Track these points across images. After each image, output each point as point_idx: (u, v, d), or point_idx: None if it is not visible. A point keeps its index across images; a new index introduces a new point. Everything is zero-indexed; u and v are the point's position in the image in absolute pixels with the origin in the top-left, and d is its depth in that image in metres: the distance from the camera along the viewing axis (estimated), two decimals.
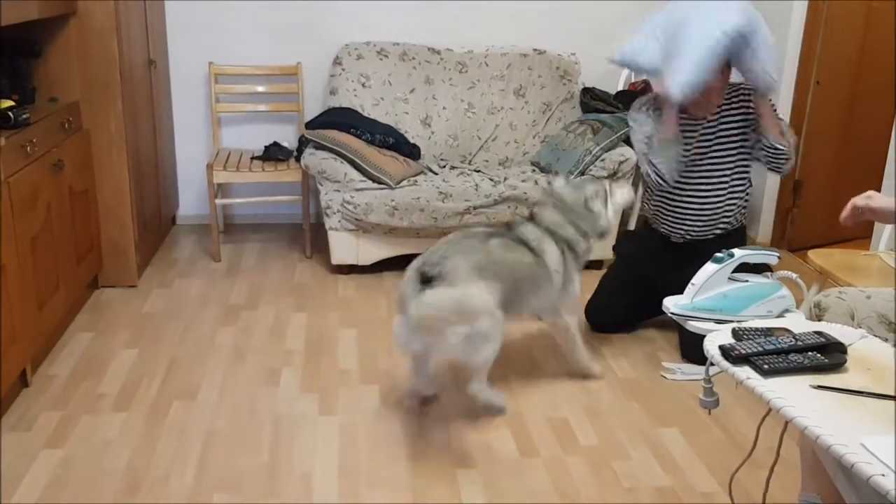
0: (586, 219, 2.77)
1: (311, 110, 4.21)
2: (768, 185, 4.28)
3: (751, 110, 2.90)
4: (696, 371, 2.95)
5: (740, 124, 2.92)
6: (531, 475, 2.35)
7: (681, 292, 1.85)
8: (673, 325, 3.27)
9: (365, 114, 4.05)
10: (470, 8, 4.30)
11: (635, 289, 3.17)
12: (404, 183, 3.69)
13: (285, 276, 3.81)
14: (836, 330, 1.65)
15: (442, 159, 4.08)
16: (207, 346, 3.07)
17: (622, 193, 2.91)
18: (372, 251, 3.77)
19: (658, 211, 3.11)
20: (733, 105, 2.93)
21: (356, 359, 3.02)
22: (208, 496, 2.21)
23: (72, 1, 3.20)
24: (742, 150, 2.95)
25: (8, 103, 2.77)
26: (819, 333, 1.59)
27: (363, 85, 4.12)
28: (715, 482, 2.32)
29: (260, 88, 4.26)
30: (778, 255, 1.86)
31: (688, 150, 2.92)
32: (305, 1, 4.22)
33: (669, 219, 3.08)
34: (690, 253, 2.73)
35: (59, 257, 3.01)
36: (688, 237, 3.05)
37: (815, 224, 4.24)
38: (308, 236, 4.06)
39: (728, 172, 2.96)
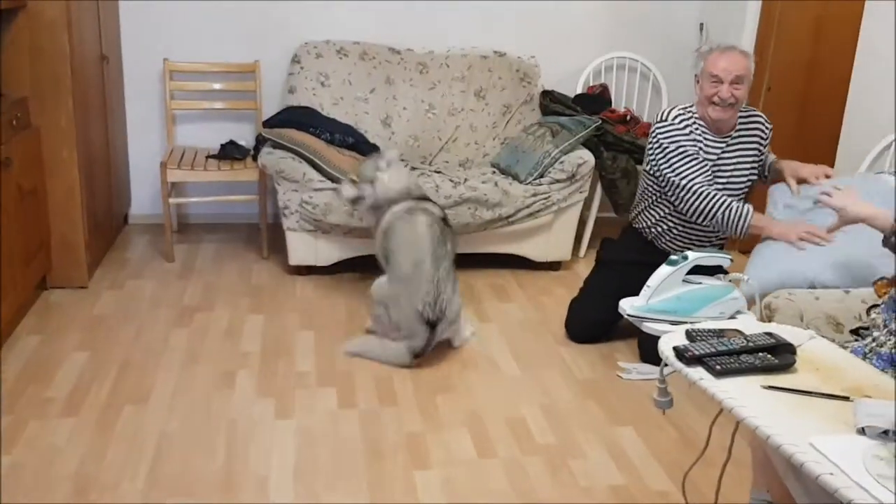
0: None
1: (269, 109, 4.15)
2: None
3: (764, 137, 2.98)
4: (652, 371, 2.98)
5: (756, 146, 2.97)
6: (489, 475, 2.36)
7: None
8: (631, 327, 3.32)
9: (324, 113, 4.01)
10: (431, 8, 4.29)
11: (616, 296, 3.13)
12: None
13: (242, 277, 3.76)
14: (786, 331, 1.69)
15: (402, 160, 4.06)
16: (160, 349, 3.02)
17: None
18: (331, 252, 3.74)
19: (667, 231, 3.07)
20: (750, 126, 2.97)
21: (313, 361, 2.99)
22: (161, 500, 2.17)
23: None
24: (753, 172, 3.00)
25: None
26: (769, 335, 1.62)
27: (322, 84, 4.09)
28: (669, 481, 2.36)
29: (216, 86, 4.20)
30: (730, 258, 1.90)
31: (707, 169, 2.91)
32: None
33: (678, 240, 3.06)
34: None
35: (6, 257, 2.92)
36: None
37: None
38: (265, 236, 4.02)
39: (740, 193, 2.98)
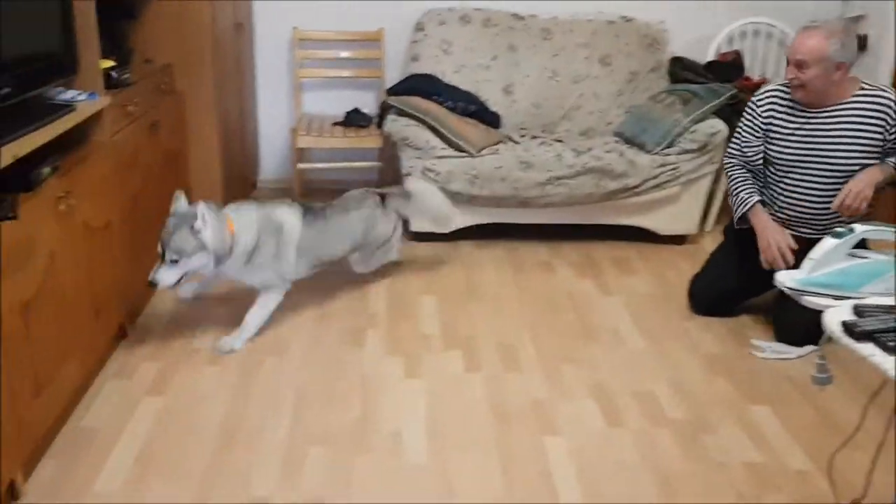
0: None
1: (393, 77, 4.21)
2: None
3: (887, 120, 2.77)
4: (787, 350, 2.88)
5: (867, 127, 2.78)
6: (619, 445, 2.35)
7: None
8: (759, 304, 3.22)
9: (446, 81, 4.03)
10: None
11: (742, 268, 3.07)
12: (485, 151, 3.67)
13: None
14: None
15: (523, 128, 4.05)
16: (293, 306, 3.13)
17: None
18: None
19: (772, 201, 3.00)
20: (866, 104, 2.79)
21: (437, 324, 3.05)
22: (303, 449, 2.28)
23: None
24: (866, 155, 2.79)
25: (108, 63, 2.84)
26: None
27: (445, 51, 4.10)
28: (810, 462, 2.28)
29: (343, 54, 4.28)
30: None
31: (793, 138, 2.84)
32: None
33: (784, 209, 2.97)
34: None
35: (155, 216, 3.09)
36: (806, 233, 2.90)
37: None
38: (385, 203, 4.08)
39: (844, 172, 2.81)
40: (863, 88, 2.80)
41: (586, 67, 4.10)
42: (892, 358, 1.44)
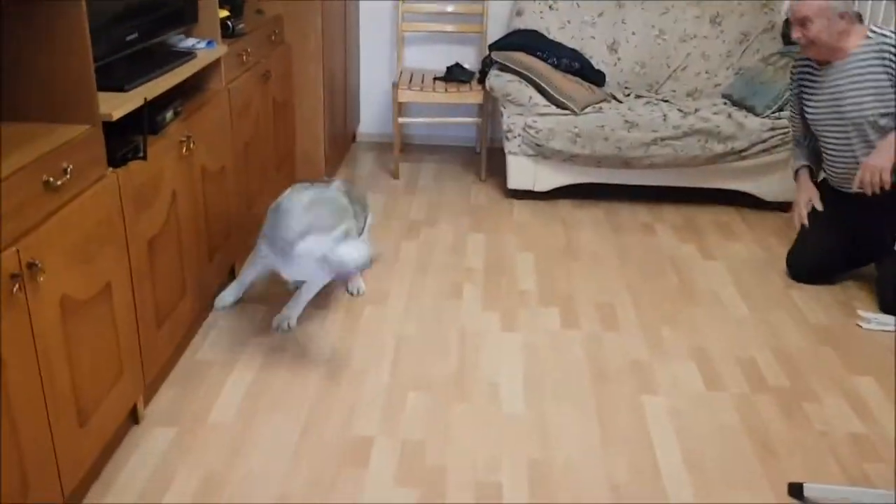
0: None
1: (495, 32, 4.18)
2: None
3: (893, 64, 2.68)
4: (891, 322, 2.77)
5: (874, 75, 2.71)
6: (719, 409, 2.32)
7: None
8: (867, 273, 3.09)
9: (550, 37, 3.98)
10: None
11: (838, 231, 2.99)
12: (588, 110, 3.62)
13: (461, 197, 3.88)
14: None
15: (627, 87, 3.97)
16: (393, 258, 3.21)
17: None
18: (549, 178, 3.76)
19: (825, 167, 3.03)
20: (869, 52, 2.72)
21: (535, 281, 3.06)
22: (403, 393, 2.35)
23: None
24: (881, 102, 2.72)
25: (224, 13, 2.93)
26: None
27: (550, 6, 4.04)
28: None
29: (447, 8, 4.27)
30: None
31: (817, 97, 2.85)
32: None
33: (832, 170, 2.98)
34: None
35: (264, 163, 3.21)
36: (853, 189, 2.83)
37: None
38: (484, 159, 4.10)
39: (866, 124, 2.76)
40: (868, 37, 2.73)
41: (695, 26, 3.97)
42: None
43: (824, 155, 2.98)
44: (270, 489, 1.96)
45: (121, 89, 2.05)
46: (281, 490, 1.96)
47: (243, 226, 2.93)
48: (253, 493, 1.94)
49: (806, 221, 2.97)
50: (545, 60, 3.76)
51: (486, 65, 3.89)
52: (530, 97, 3.60)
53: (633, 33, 4.01)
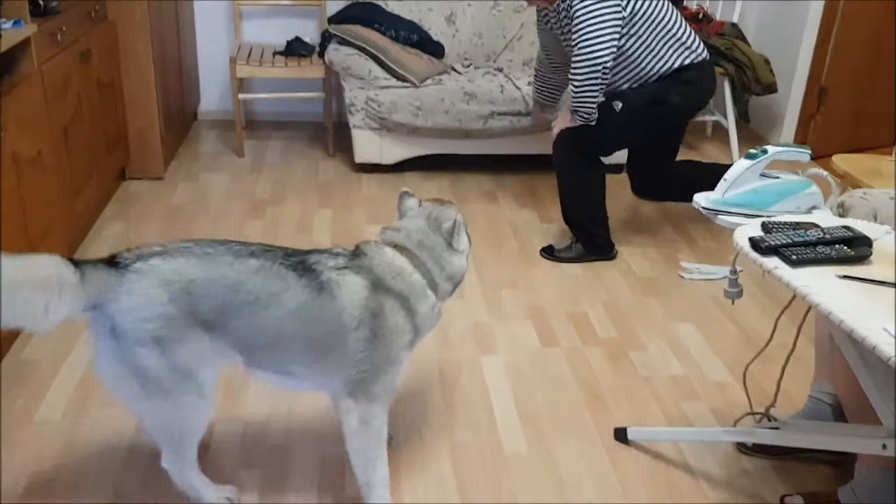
0: (441, 260, 1.78)
1: (334, 5, 4.14)
2: (793, 92, 4.25)
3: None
4: (713, 271, 3.02)
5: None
6: (551, 363, 2.46)
7: None
8: (691, 224, 3.35)
9: (388, 10, 3.99)
10: None
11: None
12: (428, 82, 3.68)
13: (309, 174, 3.85)
14: (862, 226, 1.70)
15: (466, 58, 4.05)
16: (238, 238, 3.14)
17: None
18: (395, 150, 3.80)
19: None
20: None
21: None
22: None
23: None
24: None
25: None
26: (846, 227, 1.64)
27: None
28: (728, 374, 2.43)
29: None
30: (810, 152, 1.89)
31: (558, 33, 2.97)
32: None
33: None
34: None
35: (90, 147, 3.05)
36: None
37: (837, 131, 4.23)
38: (331, 134, 4.08)
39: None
40: None
41: None
42: (795, 270, 1.54)
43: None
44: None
45: None
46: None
47: (68, 215, 2.79)
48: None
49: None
50: (383, 33, 3.77)
51: (326, 38, 3.85)
52: (370, 70, 3.60)
53: (469, 4, 4.08)
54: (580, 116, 2.89)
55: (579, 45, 2.76)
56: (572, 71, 2.82)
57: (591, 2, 2.73)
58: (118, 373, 1.60)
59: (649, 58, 2.86)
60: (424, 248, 1.76)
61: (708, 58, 2.96)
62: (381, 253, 1.73)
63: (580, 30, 2.75)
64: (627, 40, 2.82)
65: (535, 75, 3.34)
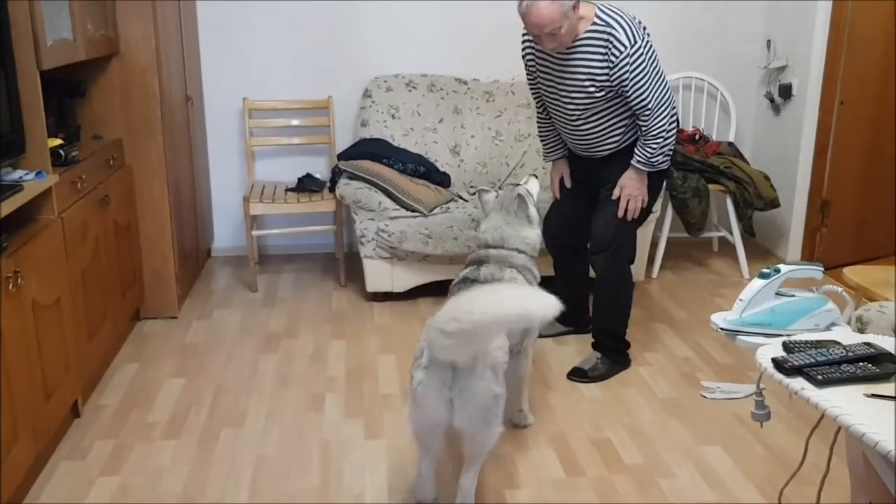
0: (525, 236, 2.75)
1: (343, 142, 4.30)
2: (796, 206, 4.32)
3: (609, 57, 2.80)
4: (736, 389, 2.97)
5: (593, 64, 2.83)
6: (579, 494, 2.38)
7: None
8: (703, 339, 3.32)
9: (396, 144, 4.13)
10: (495, 39, 4.38)
11: (577, 197, 3.25)
12: (437, 210, 3.76)
13: (322, 305, 3.87)
14: (883, 341, 1.68)
15: (472, 186, 4.16)
16: (251, 375, 3.13)
17: (535, 184, 2.98)
18: (406, 278, 3.83)
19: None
20: (591, 42, 2.82)
21: (397, 383, 3.06)
22: None
23: (115, 42, 3.32)
24: (596, 86, 2.86)
25: (56, 142, 2.87)
26: (868, 344, 1.62)
27: (393, 116, 4.22)
28: (762, 497, 2.34)
29: (293, 122, 4.36)
30: (823, 269, 1.90)
31: (548, 75, 2.98)
32: (335, 37, 4.34)
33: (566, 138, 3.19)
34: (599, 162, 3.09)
35: (107, 290, 3.09)
36: (582, 154, 3.13)
37: (843, 243, 4.26)
38: (342, 265, 4.13)
39: (589, 104, 2.91)
40: (595, 23, 2.82)
41: (528, 126, 4.24)
42: (822, 391, 1.51)
43: (557, 125, 3.14)
44: None
45: None
46: None
47: (83, 358, 2.79)
48: None
49: (558, 195, 3.32)
50: (392, 166, 3.89)
51: (336, 174, 3.98)
52: (380, 202, 3.70)
53: (472, 136, 4.24)
54: (661, 164, 2.93)
55: (655, 91, 2.83)
56: (654, 119, 2.85)
57: (645, 48, 2.80)
58: None
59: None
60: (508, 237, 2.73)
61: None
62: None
63: (651, 75, 2.81)
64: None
65: (540, 133, 3.34)
